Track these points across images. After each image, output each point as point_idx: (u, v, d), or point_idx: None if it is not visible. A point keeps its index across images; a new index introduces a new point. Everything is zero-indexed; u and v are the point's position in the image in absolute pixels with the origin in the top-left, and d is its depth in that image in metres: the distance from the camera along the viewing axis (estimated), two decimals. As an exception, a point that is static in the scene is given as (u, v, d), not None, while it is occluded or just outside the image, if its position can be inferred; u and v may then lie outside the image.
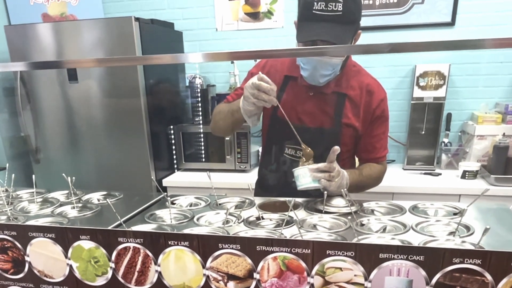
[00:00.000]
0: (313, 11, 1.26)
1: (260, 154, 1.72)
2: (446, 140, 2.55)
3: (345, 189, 1.25)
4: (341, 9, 1.24)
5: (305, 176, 1.29)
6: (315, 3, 1.26)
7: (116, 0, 2.88)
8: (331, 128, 1.46)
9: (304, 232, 1.11)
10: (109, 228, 1.17)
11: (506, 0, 2.38)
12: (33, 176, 1.55)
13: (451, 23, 2.47)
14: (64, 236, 1.01)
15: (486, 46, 0.78)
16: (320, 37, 1.27)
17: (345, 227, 1.16)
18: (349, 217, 1.17)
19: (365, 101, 1.46)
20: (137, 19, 2.28)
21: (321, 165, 1.30)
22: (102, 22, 2.40)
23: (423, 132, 2.49)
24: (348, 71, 1.47)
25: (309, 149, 1.37)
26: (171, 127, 2.65)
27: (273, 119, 1.53)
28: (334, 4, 1.24)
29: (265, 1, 2.68)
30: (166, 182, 2.55)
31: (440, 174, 2.43)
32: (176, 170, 2.72)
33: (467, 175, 2.29)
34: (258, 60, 1.64)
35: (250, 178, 2.39)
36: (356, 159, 1.65)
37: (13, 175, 1.53)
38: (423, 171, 2.48)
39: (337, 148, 1.29)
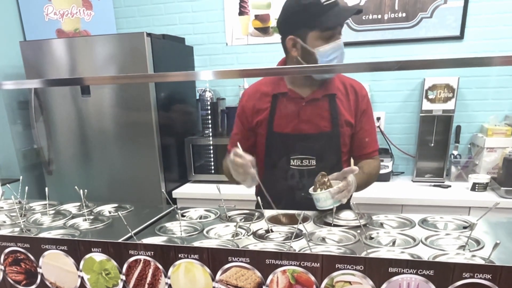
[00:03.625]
0: (324, 4, 1.39)
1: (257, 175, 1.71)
2: (455, 152, 2.53)
3: (354, 203, 1.25)
4: None
5: (327, 199, 1.30)
6: None
7: (128, 16, 2.95)
8: (331, 130, 1.51)
9: (313, 245, 1.11)
10: (120, 240, 1.18)
11: (515, 13, 2.39)
12: (46, 188, 1.58)
13: (460, 37, 2.48)
14: (76, 249, 1.03)
15: (494, 64, 0.78)
16: (346, 18, 1.50)
17: (354, 240, 1.16)
18: (358, 231, 1.17)
19: (352, 99, 1.54)
20: (148, 34, 2.33)
21: (341, 185, 1.32)
22: (114, 37, 2.46)
23: (432, 145, 2.48)
24: (332, 77, 1.55)
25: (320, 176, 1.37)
26: (182, 139, 2.68)
27: (269, 136, 1.56)
28: None
29: (274, 16, 2.72)
30: (176, 193, 2.57)
31: (450, 186, 2.41)
32: (186, 182, 2.74)
33: (477, 188, 2.27)
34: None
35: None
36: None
37: (26, 187, 1.56)
38: (433, 183, 2.46)
39: (355, 168, 1.34)
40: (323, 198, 1.31)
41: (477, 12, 2.43)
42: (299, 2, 1.41)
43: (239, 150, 1.40)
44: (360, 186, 1.49)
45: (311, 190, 1.35)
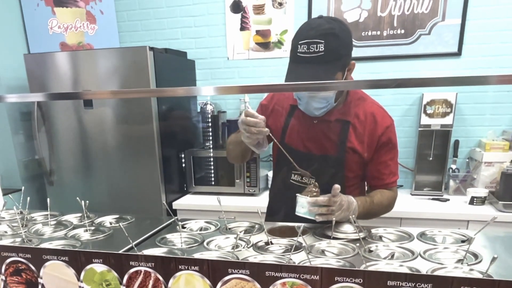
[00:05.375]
0: (298, 54, 1.32)
1: (269, 179, 1.76)
2: (454, 166, 2.55)
3: (353, 216, 1.26)
4: (323, 49, 1.28)
5: (303, 206, 1.32)
6: (299, 46, 1.31)
7: (131, 30, 3.00)
8: (335, 154, 1.49)
9: (313, 258, 1.12)
10: (121, 251, 1.19)
11: (512, 31, 2.43)
12: (48, 199, 1.59)
13: (458, 53, 2.52)
14: (77, 259, 1.03)
15: (491, 83, 0.80)
16: (301, 81, 1.30)
17: (353, 253, 1.16)
18: (357, 244, 1.18)
19: (369, 129, 1.48)
20: (151, 48, 2.37)
21: (319, 199, 1.31)
22: (117, 51, 2.49)
23: (431, 158, 2.50)
24: (352, 100, 1.51)
25: (307, 172, 1.39)
26: (182, 151, 2.70)
27: (280, 145, 1.56)
28: (315, 45, 1.29)
29: (275, 31, 2.77)
30: (176, 205, 2.58)
31: (448, 199, 2.42)
32: (186, 193, 2.75)
33: (475, 201, 2.29)
34: None
35: (259, 202, 2.40)
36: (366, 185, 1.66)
37: (28, 198, 1.57)
38: (431, 197, 2.48)
39: (337, 187, 1.31)
40: (300, 203, 1.33)
41: (474, 29, 2.48)
42: (294, 36, 1.38)
43: (251, 109, 1.38)
44: (367, 215, 1.46)
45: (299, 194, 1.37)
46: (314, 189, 1.35)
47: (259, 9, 2.76)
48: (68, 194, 2.57)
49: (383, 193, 1.54)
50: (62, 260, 1.05)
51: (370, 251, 1.18)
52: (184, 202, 2.62)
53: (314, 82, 1.01)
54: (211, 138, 2.69)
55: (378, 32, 2.59)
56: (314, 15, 2.63)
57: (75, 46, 3.06)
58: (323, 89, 1.33)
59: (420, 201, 2.44)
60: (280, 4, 2.72)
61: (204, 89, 0.97)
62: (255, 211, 1.39)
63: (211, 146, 2.69)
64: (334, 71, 1.34)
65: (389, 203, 1.56)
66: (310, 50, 1.29)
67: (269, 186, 1.85)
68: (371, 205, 1.47)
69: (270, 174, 2.34)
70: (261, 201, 2.15)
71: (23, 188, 1.65)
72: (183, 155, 2.70)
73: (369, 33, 2.60)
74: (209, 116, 2.70)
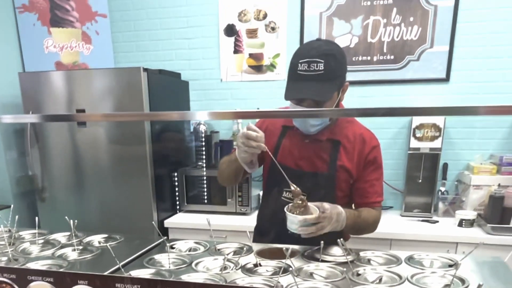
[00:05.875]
0: (298, 72, 1.38)
1: (260, 199, 1.76)
2: (443, 189, 2.58)
3: (341, 239, 1.27)
4: (322, 68, 1.35)
5: (292, 223, 1.32)
6: (299, 64, 1.38)
7: (126, 51, 3.04)
8: (327, 172, 1.53)
9: (300, 281, 1.12)
10: (107, 273, 1.19)
11: (498, 59, 2.50)
12: (37, 218, 1.58)
13: (446, 79, 2.58)
14: (63, 280, 1.02)
15: (479, 113, 0.83)
16: (302, 96, 1.39)
17: (341, 276, 1.17)
18: (345, 268, 1.18)
19: (358, 148, 1.53)
20: (145, 69, 2.40)
21: (308, 217, 1.32)
22: (112, 71, 2.52)
23: (420, 181, 2.53)
24: (342, 122, 1.57)
25: (298, 189, 1.39)
26: (175, 170, 2.70)
27: (272, 164, 1.58)
28: (315, 64, 1.35)
29: (268, 55, 2.83)
30: (168, 223, 2.58)
31: (438, 221, 2.44)
32: (178, 212, 2.75)
33: (464, 224, 2.31)
34: None
35: (251, 221, 2.39)
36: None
37: (16, 216, 1.56)
38: (421, 218, 2.49)
39: (327, 207, 1.35)
40: (290, 220, 1.33)
41: (462, 56, 2.55)
42: (293, 55, 1.44)
43: (252, 125, 1.42)
44: (352, 228, 1.49)
45: (287, 207, 1.36)
46: (300, 202, 1.35)
47: (252, 33, 2.82)
48: (60, 211, 2.54)
49: (370, 211, 1.58)
50: (47, 281, 1.04)
51: (358, 275, 1.19)
52: (176, 220, 2.61)
53: (304, 110, 1.05)
54: (204, 157, 2.71)
55: (369, 58, 2.66)
56: (306, 40, 2.70)
57: (70, 66, 3.09)
58: (313, 117, 1.38)
59: (409, 223, 2.46)
60: (273, 28, 2.79)
61: (198, 113, 0.99)
62: (246, 230, 1.39)
63: (204, 165, 2.70)
64: (332, 89, 1.41)
65: (374, 221, 1.59)
66: (310, 69, 1.36)
67: (260, 205, 1.85)
68: (358, 219, 1.49)
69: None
70: (253, 220, 2.13)
71: (12, 206, 1.64)
72: (175, 174, 2.71)
73: (360, 58, 2.67)
74: (202, 136, 2.72)
